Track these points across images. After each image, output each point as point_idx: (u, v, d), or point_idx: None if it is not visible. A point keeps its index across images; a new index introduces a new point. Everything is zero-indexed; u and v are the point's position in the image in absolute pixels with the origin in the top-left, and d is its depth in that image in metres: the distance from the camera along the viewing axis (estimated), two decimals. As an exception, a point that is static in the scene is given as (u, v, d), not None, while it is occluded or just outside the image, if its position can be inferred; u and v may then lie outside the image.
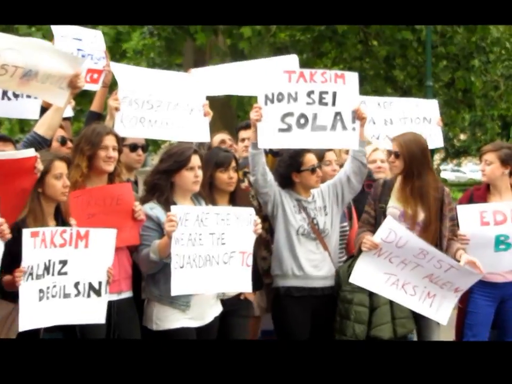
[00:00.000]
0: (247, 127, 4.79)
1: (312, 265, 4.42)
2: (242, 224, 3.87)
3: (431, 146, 4.94)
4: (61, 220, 3.60)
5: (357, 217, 4.88)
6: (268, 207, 4.46)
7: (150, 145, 13.64)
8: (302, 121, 4.29)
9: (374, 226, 4.27)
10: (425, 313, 4.18)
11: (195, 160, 3.99)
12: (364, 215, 4.48)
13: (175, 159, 3.96)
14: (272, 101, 4.27)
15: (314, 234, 4.45)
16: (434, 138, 5.47)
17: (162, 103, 4.55)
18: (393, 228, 4.03)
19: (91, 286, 3.55)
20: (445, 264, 4.05)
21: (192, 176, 3.97)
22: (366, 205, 4.48)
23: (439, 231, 4.25)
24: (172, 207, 3.70)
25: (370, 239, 4.11)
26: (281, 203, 4.47)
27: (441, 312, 4.16)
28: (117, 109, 4.38)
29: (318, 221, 4.50)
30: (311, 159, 4.52)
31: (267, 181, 4.40)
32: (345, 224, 4.83)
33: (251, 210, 3.96)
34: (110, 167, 3.92)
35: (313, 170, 4.50)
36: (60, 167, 3.57)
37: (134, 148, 4.66)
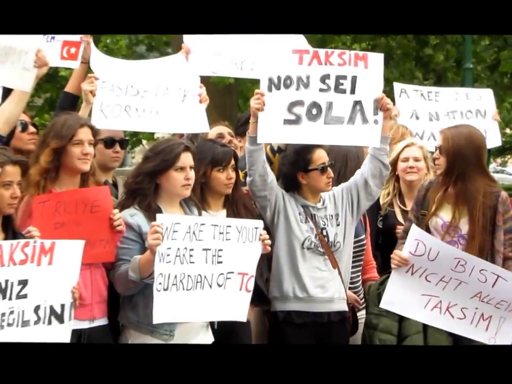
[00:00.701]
0: None
1: (317, 285, 4.36)
2: (245, 239, 3.82)
3: (487, 145, 4.74)
4: (11, 231, 3.52)
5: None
6: (266, 213, 4.39)
7: (129, 139, 13.49)
8: (314, 111, 4.25)
9: None
10: (481, 338, 4.09)
11: (186, 159, 3.93)
12: (405, 223, 4.39)
13: (162, 157, 3.90)
14: (278, 87, 4.23)
15: (323, 248, 4.40)
16: (491, 136, 5.31)
17: (150, 87, 4.50)
18: (421, 239, 3.99)
19: (52, 311, 3.46)
20: (490, 275, 3.99)
21: (182, 178, 3.91)
22: (409, 212, 4.43)
23: (490, 246, 4.17)
24: (158, 215, 3.63)
25: (398, 253, 4.03)
26: (284, 209, 4.41)
27: (501, 335, 4.08)
28: (92, 93, 4.32)
29: (328, 232, 4.44)
30: (321, 157, 4.43)
31: (266, 183, 4.33)
32: (363, 237, 4.78)
33: (258, 223, 3.91)
34: (86, 166, 3.84)
35: (323, 170, 4.41)
36: (10, 173, 3.46)
37: (110, 143, 4.54)
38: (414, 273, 4.03)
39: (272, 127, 4.22)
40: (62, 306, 3.48)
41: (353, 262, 4.60)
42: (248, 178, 4.37)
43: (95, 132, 3.93)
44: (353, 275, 4.64)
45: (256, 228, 3.86)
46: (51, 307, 3.44)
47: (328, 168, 4.43)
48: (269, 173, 4.36)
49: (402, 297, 4.05)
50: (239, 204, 4.39)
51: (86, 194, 3.80)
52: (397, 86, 5.59)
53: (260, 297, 4.32)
